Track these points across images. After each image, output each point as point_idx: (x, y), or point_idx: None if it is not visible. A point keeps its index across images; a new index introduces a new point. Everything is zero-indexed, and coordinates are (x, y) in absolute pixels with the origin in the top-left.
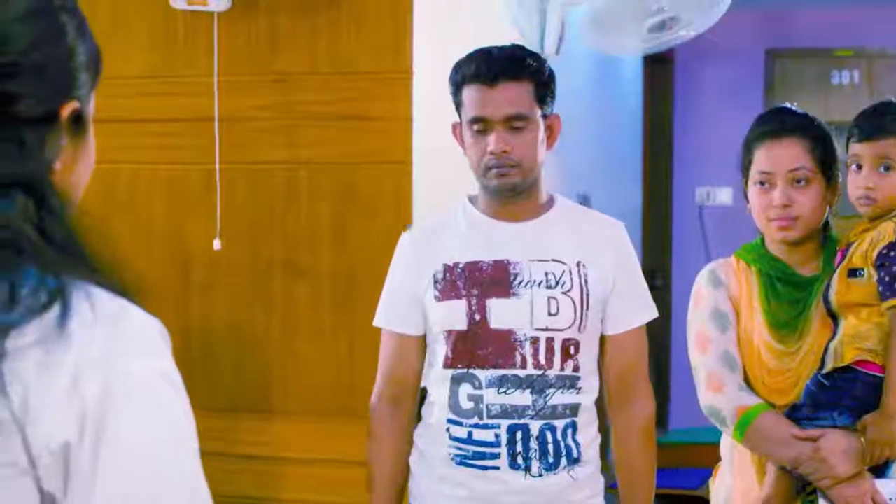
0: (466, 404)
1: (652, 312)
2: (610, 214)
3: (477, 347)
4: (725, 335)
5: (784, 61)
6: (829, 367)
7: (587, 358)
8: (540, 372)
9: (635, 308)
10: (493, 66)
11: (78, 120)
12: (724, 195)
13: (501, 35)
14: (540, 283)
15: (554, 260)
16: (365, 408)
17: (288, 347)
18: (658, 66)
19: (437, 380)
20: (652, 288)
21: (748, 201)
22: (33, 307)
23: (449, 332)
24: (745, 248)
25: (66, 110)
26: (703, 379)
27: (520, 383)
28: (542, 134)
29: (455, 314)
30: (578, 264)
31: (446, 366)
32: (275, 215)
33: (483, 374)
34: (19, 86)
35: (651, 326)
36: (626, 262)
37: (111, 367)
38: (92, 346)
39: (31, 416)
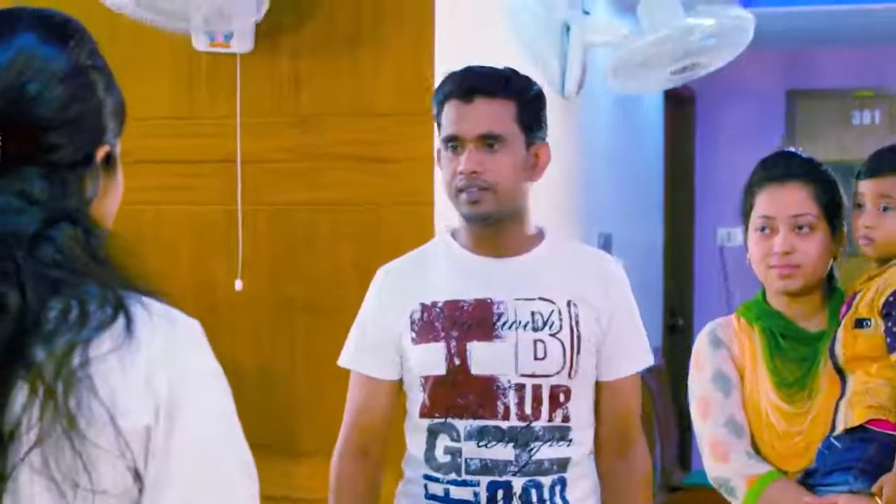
0: (443, 458)
1: (650, 358)
2: (631, 254)
3: (456, 395)
4: (729, 399)
5: (805, 102)
6: (840, 428)
7: (579, 406)
8: (524, 423)
9: (633, 352)
10: (470, 82)
11: (108, 160)
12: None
13: None
14: (526, 325)
15: (541, 298)
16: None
17: (311, 388)
18: (679, 107)
19: (413, 430)
20: (673, 328)
21: (748, 249)
22: (104, 321)
23: (426, 378)
24: (747, 305)
25: (100, 153)
26: (707, 447)
27: (501, 436)
28: (522, 159)
29: (433, 358)
30: (569, 303)
31: (422, 415)
32: (296, 256)
33: (462, 425)
34: (59, 137)
35: (672, 365)
36: (622, 302)
37: (173, 363)
38: (155, 345)
39: (119, 410)
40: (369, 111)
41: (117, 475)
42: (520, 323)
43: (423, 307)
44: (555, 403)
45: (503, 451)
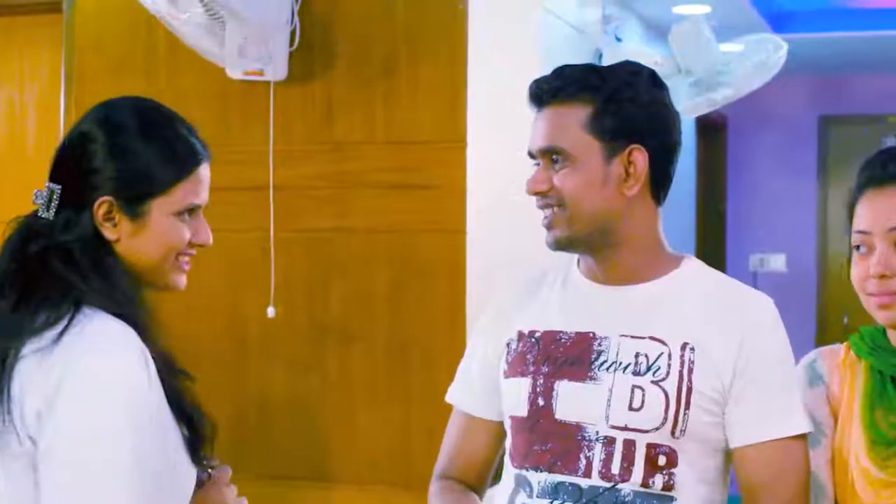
0: None
1: (795, 425)
2: None
3: (535, 442)
4: (815, 452)
5: (837, 127)
6: None
7: (693, 474)
8: (608, 484)
9: (768, 414)
10: (539, 84)
11: (130, 211)
12: (777, 262)
13: None
14: (626, 367)
15: (651, 338)
16: (420, 476)
17: (343, 415)
18: (711, 133)
19: (504, 479)
20: None
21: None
22: (40, 327)
23: (512, 419)
24: (862, 332)
25: (96, 206)
26: None
27: (578, 496)
28: (600, 174)
29: (517, 395)
30: (684, 347)
31: (510, 462)
32: (330, 283)
33: (536, 478)
34: (66, 194)
35: None
36: (761, 353)
37: (71, 362)
38: (70, 350)
39: (24, 396)
40: (402, 139)
41: (23, 439)
42: (620, 364)
43: (520, 336)
44: (652, 466)
45: None
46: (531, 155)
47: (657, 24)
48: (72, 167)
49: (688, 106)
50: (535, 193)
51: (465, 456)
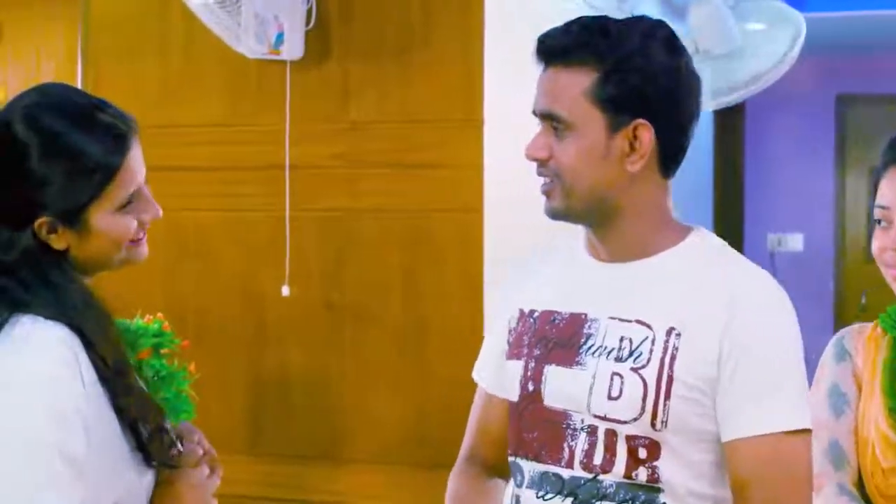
0: None
1: (789, 419)
2: None
3: (524, 429)
4: (839, 421)
5: (855, 107)
6: None
7: (681, 468)
8: (589, 476)
9: (758, 406)
10: (545, 41)
11: (69, 222)
12: (795, 242)
13: None
14: (610, 352)
15: (638, 321)
16: (435, 456)
17: (358, 395)
18: (728, 115)
19: None
20: None
21: None
22: None
23: (510, 404)
24: (890, 310)
25: (37, 223)
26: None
27: (561, 487)
28: (601, 146)
29: (511, 379)
30: (670, 332)
31: (508, 450)
32: (346, 262)
33: (527, 468)
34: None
35: None
36: (750, 338)
37: None
38: None
39: None
40: (419, 118)
41: None
42: (605, 349)
43: (521, 315)
44: (634, 459)
45: None
46: (535, 114)
47: (675, 2)
48: (4, 184)
49: (710, 101)
50: (534, 159)
51: (485, 433)
